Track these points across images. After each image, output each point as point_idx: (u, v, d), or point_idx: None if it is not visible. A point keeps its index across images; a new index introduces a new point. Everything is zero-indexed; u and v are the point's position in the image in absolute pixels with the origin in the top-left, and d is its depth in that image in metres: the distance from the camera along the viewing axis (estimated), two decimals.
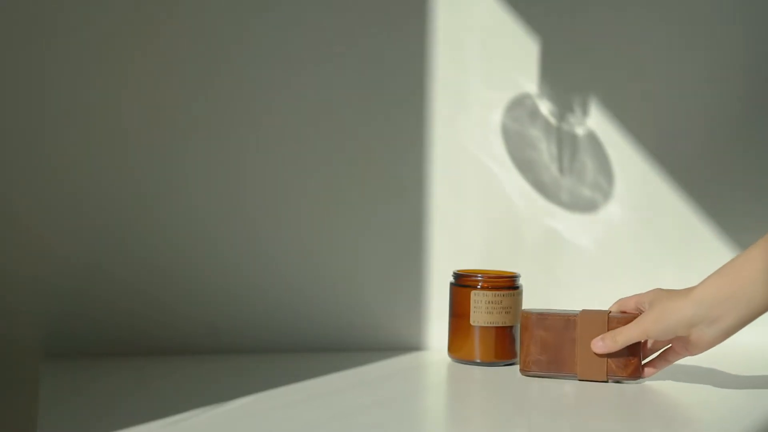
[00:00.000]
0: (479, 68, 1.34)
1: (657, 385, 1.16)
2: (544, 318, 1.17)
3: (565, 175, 1.37)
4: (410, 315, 1.33)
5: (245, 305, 1.28)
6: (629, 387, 1.15)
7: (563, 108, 1.36)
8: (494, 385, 1.16)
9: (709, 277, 1.10)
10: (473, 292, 1.23)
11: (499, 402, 1.12)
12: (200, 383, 1.14)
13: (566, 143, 1.37)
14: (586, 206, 1.38)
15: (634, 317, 1.14)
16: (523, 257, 1.36)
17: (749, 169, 1.43)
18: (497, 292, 1.22)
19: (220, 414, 1.01)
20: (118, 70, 1.22)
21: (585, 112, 1.37)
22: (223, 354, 1.26)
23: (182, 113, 1.24)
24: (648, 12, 1.38)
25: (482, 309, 1.22)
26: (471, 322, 1.23)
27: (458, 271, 1.26)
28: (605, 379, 1.15)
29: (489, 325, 1.22)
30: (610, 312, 1.16)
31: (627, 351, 1.15)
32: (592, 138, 1.37)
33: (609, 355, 1.15)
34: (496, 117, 1.35)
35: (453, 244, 1.34)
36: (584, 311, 1.17)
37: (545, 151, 1.36)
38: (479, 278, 1.23)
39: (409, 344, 1.32)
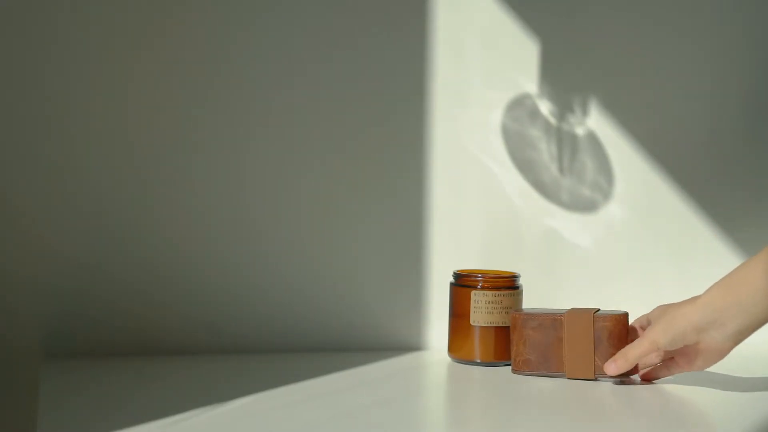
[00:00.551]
0: (479, 68, 1.34)
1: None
2: (532, 318, 1.18)
3: (565, 175, 1.37)
4: (410, 315, 1.33)
5: (245, 305, 1.28)
6: (633, 388, 1.15)
7: (563, 108, 1.36)
8: (494, 386, 1.16)
9: (713, 284, 1.10)
10: (473, 292, 1.23)
11: (499, 402, 1.12)
12: (200, 383, 1.14)
13: (566, 143, 1.37)
14: (586, 206, 1.38)
15: (623, 315, 1.15)
16: (523, 257, 1.36)
17: (749, 170, 1.43)
18: (497, 292, 1.22)
19: (220, 414, 1.01)
20: (118, 71, 1.22)
21: (585, 112, 1.37)
22: (223, 354, 1.26)
23: (182, 114, 1.24)
24: (648, 12, 1.38)
25: (482, 309, 1.22)
26: (471, 322, 1.23)
27: (458, 271, 1.26)
28: (593, 378, 1.16)
29: (489, 325, 1.22)
30: (596, 311, 1.17)
31: (615, 349, 1.15)
32: (592, 138, 1.37)
33: (596, 354, 1.15)
34: (496, 117, 1.35)
35: (453, 244, 1.34)
36: (571, 310, 1.17)
37: (545, 151, 1.36)
38: (479, 278, 1.23)
39: (409, 344, 1.33)
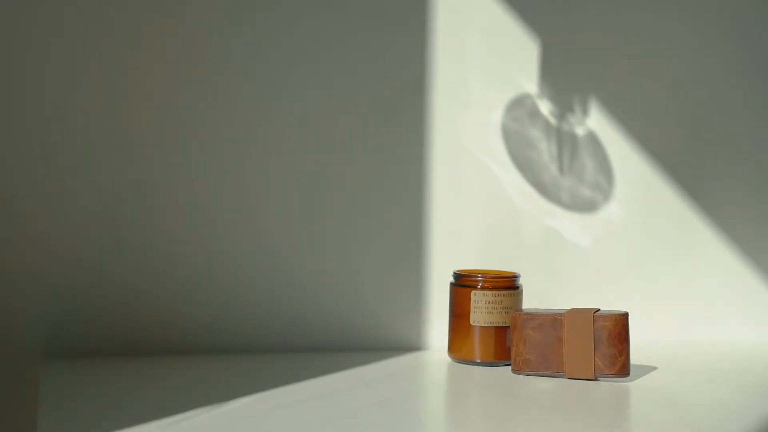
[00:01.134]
0: (479, 68, 1.34)
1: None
2: (532, 318, 1.18)
3: (565, 175, 1.37)
4: (410, 315, 1.33)
5: (245, 305, 1.28)
6: (633, 387, 1.15)
7: (563, 108, 1.36)
8: (494, 386, 1.16)
9: None
10: (473, 292, 1.23)
11: (499, 402, 1.12)
12: (200, 383, 1.14)
13: (566, 143, 1.37)
14: (586, 206, 1.38)
15: (622, 315, 1.15)
16: (523, 257, 1.36)
17: (750, 170, 1.43)
18: (497, 292, 1.22)
19: (220, 414, 1.01)
20: (119, 71, 1.22)
21: (585, 112, 1.37)
22: (223, 354, 1.26)
23: (183, 114, 1.24)
24: (647, 12, 1.38)
25: (482, 309, 1.22)
26: (471, 322, 1.23)
27: (458, 271, 1.26)
28: (593, 378, 1.16)
29: (489, 325, 1.22)
30: (596, 311, 1.17)
31: (615, 349, 1.15)
32: (592, 138, 1.37)
33: (596, 354, 1.15)
34: (496, 117, 1.35)
35: (453, 244, 1.34)
36: (571, 310, 1.17)
37: (545, 151, 1.36)
38: (479, 278, 1.23)
39: (409, 344, 1.33)
